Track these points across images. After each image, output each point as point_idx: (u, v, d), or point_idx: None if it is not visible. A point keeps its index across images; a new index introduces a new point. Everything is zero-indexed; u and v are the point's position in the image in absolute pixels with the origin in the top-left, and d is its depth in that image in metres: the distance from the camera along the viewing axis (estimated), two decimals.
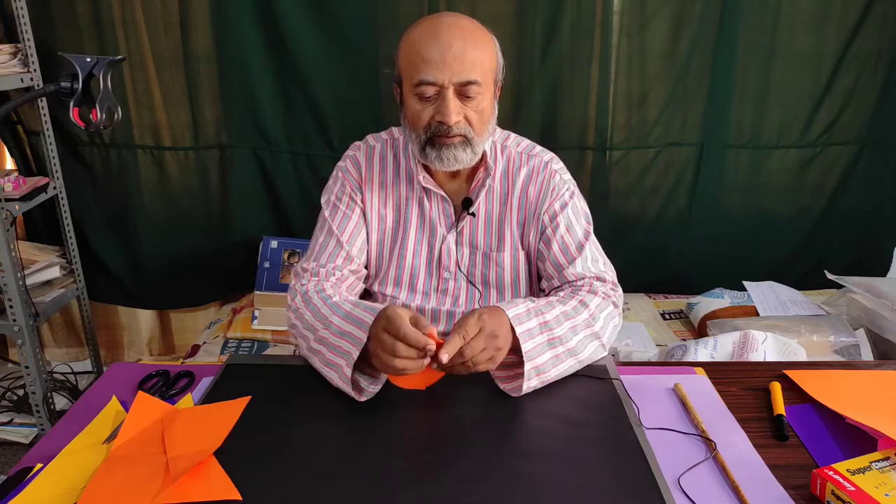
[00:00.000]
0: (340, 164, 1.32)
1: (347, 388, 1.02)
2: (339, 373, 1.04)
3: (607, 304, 1.18)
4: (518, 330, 1.03)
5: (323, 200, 1.32)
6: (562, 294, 1.19)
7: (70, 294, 2.37)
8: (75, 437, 0.97)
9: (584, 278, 1.23)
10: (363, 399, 1.03)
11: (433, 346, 0.96)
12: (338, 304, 1.13)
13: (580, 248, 1.25)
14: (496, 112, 1.22)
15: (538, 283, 1.34)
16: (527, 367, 1.02)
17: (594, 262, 1.25)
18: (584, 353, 1.10)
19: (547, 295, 1.30)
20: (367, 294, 1.37)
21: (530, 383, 1.03)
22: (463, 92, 1.11)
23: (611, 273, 1.26)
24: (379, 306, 1.06)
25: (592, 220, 1.30)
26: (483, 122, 1.16)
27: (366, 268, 1.32)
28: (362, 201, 1.29)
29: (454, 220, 1.28)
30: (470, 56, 1.09)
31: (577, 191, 1.30)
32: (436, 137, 1.14)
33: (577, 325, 1.11)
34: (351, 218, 1.28)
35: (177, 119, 2.36)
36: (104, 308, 2.61)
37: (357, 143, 1.33)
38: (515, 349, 1.04)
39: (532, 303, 1.10)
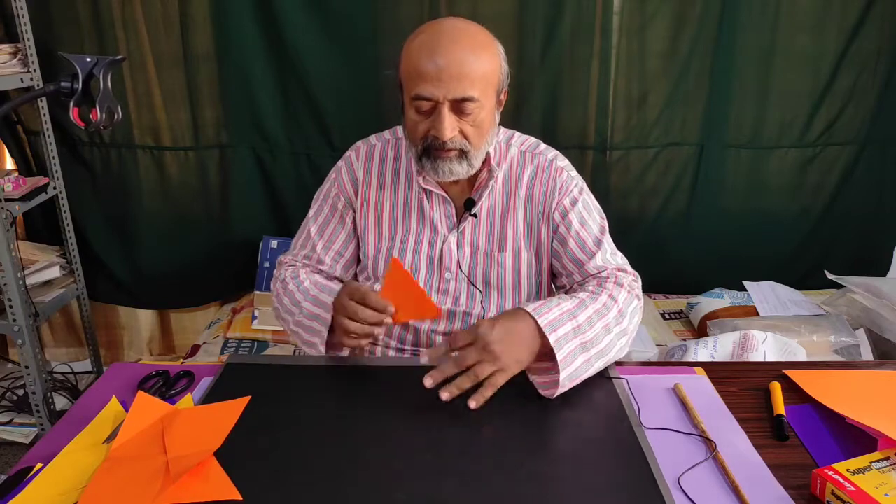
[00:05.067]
0: (339, 164, 1.33)
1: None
2: (315, 349, 1.18)
3: (633, 299, 1.18)
4: (551, 338, 1.02)
5: (314, 197, 1.36)
6: (590, 289, 1.18)
7: (70, 294, 2.37)
8: (75, 437, 0.97)
9: (606, 269, 1.23)
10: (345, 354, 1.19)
11: (392, 309, 1.06)
12: (307, 288, 1.24)
13: (598, 242, 1.25)
14: (498, 121, 1.21)
15: (551, 281, 1.33)
16: (562, 376, 1.01)
17: (613, 255, 1.26)
18: (612, 353, 1.10)
19: (569, 290, 1.28)
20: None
21: (563, 389, 1.03)
22: (459, 108, 1.10)
23: (629, 267, 1.26)
24: (339, 287, 1.17)
25: None
26: (481, 136, 1.15)
27: (357, 270, 1.36)
28: (359, 202, 1.30)
29: (455, 220, 1.28)
30: (468, 71, 1.07)
31: (585, 187, 1.30)
32: (432, 150, 1.14)
33: (609, 323, 1.10)
34: (331, 223, 1.32)
35: (177, 119, 2.36)
36: (104, 308, 2.61)
37: (359, 142, 1.33)
38: (548, 353, 1.03)
39: (566, 302, 1.08)
